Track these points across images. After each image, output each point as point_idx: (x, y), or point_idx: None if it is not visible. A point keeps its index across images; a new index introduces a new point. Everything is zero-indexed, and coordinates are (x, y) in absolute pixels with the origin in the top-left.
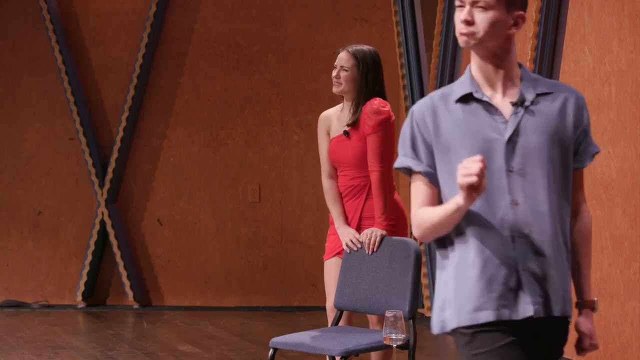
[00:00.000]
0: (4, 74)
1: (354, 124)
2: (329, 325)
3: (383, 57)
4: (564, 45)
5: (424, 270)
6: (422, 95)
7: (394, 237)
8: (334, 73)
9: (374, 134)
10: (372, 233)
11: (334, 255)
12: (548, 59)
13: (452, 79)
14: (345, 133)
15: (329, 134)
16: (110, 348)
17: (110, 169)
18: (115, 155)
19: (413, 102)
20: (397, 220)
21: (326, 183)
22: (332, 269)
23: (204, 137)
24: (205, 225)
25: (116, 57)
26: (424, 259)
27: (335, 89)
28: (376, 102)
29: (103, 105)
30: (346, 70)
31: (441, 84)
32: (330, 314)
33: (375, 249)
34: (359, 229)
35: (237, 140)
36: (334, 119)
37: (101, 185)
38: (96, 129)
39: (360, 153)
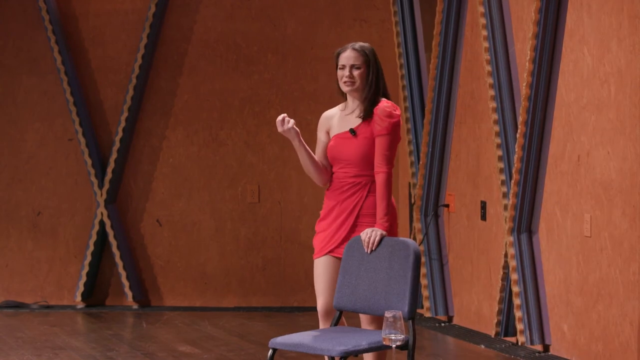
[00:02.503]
0: (4, 74)
1: (366, 119)
2: (320, 327)
3: (382, 57)
4: (563, 46)
5: (423, 270)
6: (421, 95)
7: (393, 238)
8: (346, 72)
9: (386, 136)
10: (373, 232)
11: (325, 254)
12: (547, 60)
13: (451, 80)
14: (352, 131)
15: (328, 133)
16: (110, 348)
17: (109, 170)
18: (114, 155)
19: (412, 102)
20: (391, 221)
21: None
22: (322, 268)
23: (204, 137)
24: (205, 226)
25: (115, 58)
26: (423, 259)
27: (347, 88)
28: (389, 105)
29: (102, 105)
30: (359, 68)
31: (440, 85)
32: (322, 313)
33: (374, 248)
34: (355, 226)
35: (236, 140)
36: (336, 118)
37: (100, 186)
38: (95, 129)
39: (365, 151)
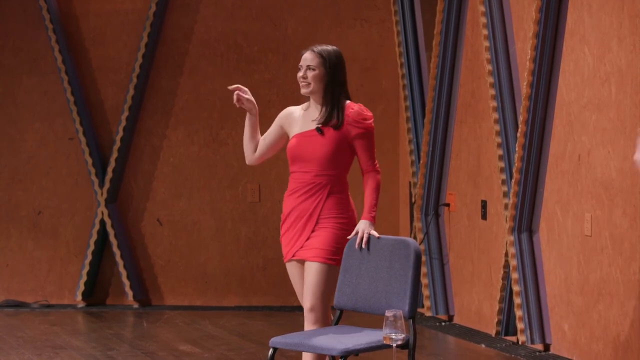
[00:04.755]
0: (4, 74)
1: (326, 123)
2: (304, 329)
3: (383, 57)
4: (563, 45)
5: (423, 269)
6: (422, 95)
7: (394, 237)
8: (301, 73)
9: (367, 137)
10: (369, 226)
11: (291, 259)
12: (548, 59)
13: (451, 79)
14: (319, 130)
15: (282, 128)
16: (110, 348)
17: (110, 169)
18: (115, 155)
19: (413, 102)
20: (349, 218)
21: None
22: (294, 272)
23: (204, 137)
24: (205, 225)
25: (116, 57)
26: (424, 258)
27: (304, 90)
28: (360, 107)
29: (103, 105)
30: (313, 70)
31: (441, 84)
32: (308, 315)
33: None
34: (316, 229)
35: (237, 140)
36: (297, 116)
37: (101, 185)
38: (96, 129)
39: (331, 150)
